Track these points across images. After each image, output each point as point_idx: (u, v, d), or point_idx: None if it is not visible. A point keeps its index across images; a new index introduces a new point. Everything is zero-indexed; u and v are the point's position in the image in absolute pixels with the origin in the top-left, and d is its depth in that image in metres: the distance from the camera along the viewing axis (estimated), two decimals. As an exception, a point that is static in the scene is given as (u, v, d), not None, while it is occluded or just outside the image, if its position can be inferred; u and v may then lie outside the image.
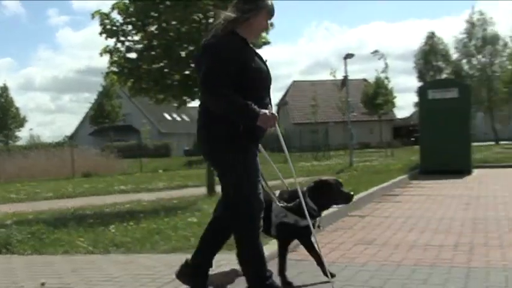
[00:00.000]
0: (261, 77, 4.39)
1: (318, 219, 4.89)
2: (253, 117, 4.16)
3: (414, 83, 72.59)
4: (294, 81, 75.44)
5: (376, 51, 32.91)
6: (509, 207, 9.56)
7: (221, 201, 4.64)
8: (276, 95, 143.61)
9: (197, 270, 4.61)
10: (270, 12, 4.43)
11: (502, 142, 55.64)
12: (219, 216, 4.63)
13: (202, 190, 13.03)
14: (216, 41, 4.24)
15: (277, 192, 4.91)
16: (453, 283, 4.80)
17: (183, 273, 4.62)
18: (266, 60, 4.50)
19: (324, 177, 5.10)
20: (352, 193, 4.97)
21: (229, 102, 4.13)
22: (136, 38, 12.02)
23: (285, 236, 4.85)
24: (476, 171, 18.24)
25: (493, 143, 54.25)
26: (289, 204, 4.75)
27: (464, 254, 5.98)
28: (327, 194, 4.84)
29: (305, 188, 4.93)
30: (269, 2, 4.39)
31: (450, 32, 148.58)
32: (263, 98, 4.36)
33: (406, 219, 8.56)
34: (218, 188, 13.02)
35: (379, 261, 5.72)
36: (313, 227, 4.68)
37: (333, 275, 4.79)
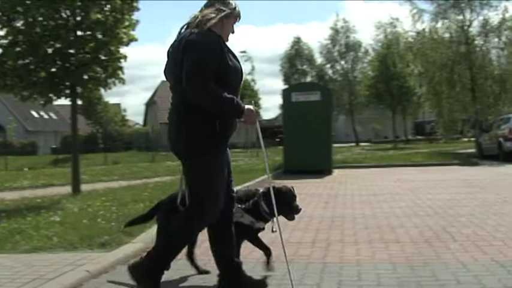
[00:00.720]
0: (236, 75, 4.44)
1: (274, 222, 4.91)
2: (240, 111, 4.27)
3: (280, 85, 74.15)
4: (163, 81, 74.81)
5: (243, 52, 33.31)
6: (365, 206, 9.98)
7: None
8: (144, 95, 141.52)
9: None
10: (238, 17, 4.60)
11: (362, 143, 58.07)
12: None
13: (68, 189, 12.77)
14: (199, 37, 4.25)
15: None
16: (309, 278, 4.99)
17: None
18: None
19: (279, 185, 5.16)
20: (300, 207, 5.07)
21: (218, 96, 4.16)
22: (1, 33, 11.66)
23: (239, 235, 4.81)
24: (336, 171, 18.91)
25: (353, 144, 56.43)
26: (245, 206, 4.88)
27: (321, 250, 6.21)
28: (279, 201, 4.85)
29: (260, 191, 5.03)
30: (238, 7, 4.56)
31: (315, 37, 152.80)
32: (236, 95, 4.37)
33: (268, 218, 8.75)
34: (84, 187, 12.93)
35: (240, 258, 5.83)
36: (263, 230, 4.97)
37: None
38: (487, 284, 4.61)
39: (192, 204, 4.37)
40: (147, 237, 6.77)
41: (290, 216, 5.08)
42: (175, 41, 4.47)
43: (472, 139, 34.59)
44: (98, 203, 9.89)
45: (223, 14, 4.43)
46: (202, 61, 4.17)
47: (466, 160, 24.51)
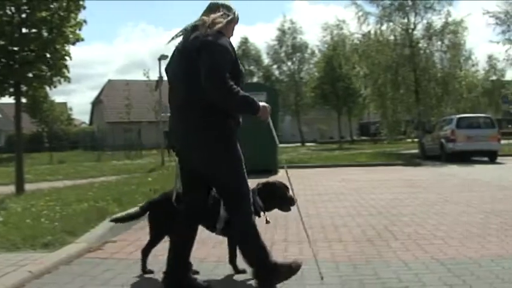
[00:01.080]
0: (243, 78, 4.67)
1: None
2: (257, 108, 4.48)
3: (227, 85, 73.70)
4: (109, 80, 74.12)
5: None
6: (309, 205, 10.03)
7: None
8: (90, 94, 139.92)
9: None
10: (237, 22, 4.88)
11: (307, 144, 58.50)
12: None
13: (11, 188, 12.54)
14: (215, 38, 4.41)
15: None
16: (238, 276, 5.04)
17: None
18: None
19: (272, 180, 5.37)
20: (295, 199, 5.23)
21: (237, 93, 4.29)
22: None
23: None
24: (282, 171, 18.95)
25: (299, 144, 56.77)
26: None
27: (265, 249, 6.21)
28: (273, 195, 5.17)
29: (254, 187, 5.06)
30: (237, 12, 4.84)
31: (262, 38, 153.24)
32: None
33: (212, 217, 8.72)
34: (28, 187, 12.68)
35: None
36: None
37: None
38: (427, 282, 4.69)
39: (237, 200, 4.52)
40: (91, 237, 6.69)
41: (286, 208, 5.31)
42: (184, 41, 4.62)
43: (416, 140, 35.14)
44: (41, 203, 9.70)
45: (229, 18, 4.67)
46: (221, 61, 4.33)
47: (410, 160, 24.93)
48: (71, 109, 78.63)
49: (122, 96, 54.81)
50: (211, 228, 5.07)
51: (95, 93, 73.57)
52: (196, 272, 5.08)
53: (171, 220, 4.80)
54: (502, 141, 26.17)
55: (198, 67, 4.31)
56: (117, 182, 13.53)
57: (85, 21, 12.72)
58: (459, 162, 22.59)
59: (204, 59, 4.30)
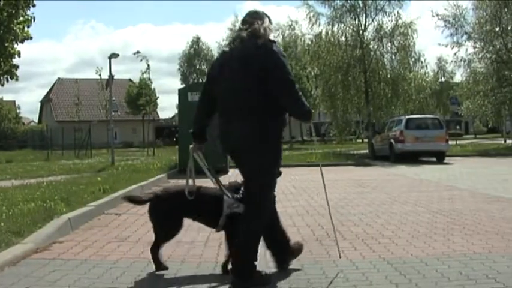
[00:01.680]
0: None
1: None
2: (311, 113, 4.90)
3: (178, 85, 73.64)
4: (59, 79, 73.13)
5: (138, 52, 32.74)
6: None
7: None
8: (39, 92, 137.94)
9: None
10: None
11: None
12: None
13: None
14: (279, 49, 4.76)
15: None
16: (201, 278, 5.00)
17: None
18: None
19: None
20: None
21: (306, 104, 4.79)
22: None
23: (235, 224, 4.96)
24: (232, 171, 18.97)
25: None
26: (238, 196, 5.11)
27: (214, 249, 6.21)
28: None
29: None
30: None
31: (212, 37, 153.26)
32: None
33: (162, 217, 8.68)
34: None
35: (131, 258, 5.76)
36: None
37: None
38: (374, 281, 4.74)
39: (264, 203, 4.84)
40: (38, 237, 6.57)
41: None
42: (243, 49, 4.76)
43: (366, 140, 35.54)
44: (-14, 203, 9.49)
45: (271, 27, 4.96)
46: (290, 71, 4.72)
47: (359, 161, 25.23)
48: (19, 107, 77.48)
49: (71, 95, 54.21)
50: (213, 225, 5.24)
51: (44, 92, 72.64)
52: (166, 268, 5.22)
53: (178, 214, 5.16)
54: (450, 142, 26.67)
55: (261, 75, 4.59)
56: (65, 182, 13.33)
57: (34, 18, 12.52)
58: (408, 162, 22.94)
59: (277, 70, 4.63)
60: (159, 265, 5.21)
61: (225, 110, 4.85)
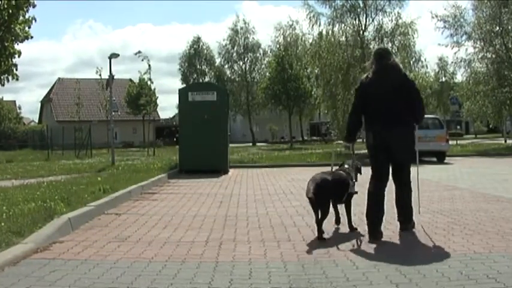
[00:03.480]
0: None
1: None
2: None
3: (178, 85, 73.61)
4: (59, 79, 73.10)
5: (139, 52, 32.60)
6: (259, 205, 10.06)
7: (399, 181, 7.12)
8: (40, 92, 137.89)
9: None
10: None
11: (258, 144, 58.61)
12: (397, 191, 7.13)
13: None
14: (413, 82, 7.32)
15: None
16: (201, 277, 4.97)
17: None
18: None
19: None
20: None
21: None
22: None
23: (350, 199, 7.30)
24: (232, 171, 19.00)
25: (250, 144, 56.86)
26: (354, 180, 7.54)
27: (214, 249, 6.20)
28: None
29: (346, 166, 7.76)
30: None
31: (211, 37, 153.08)
32: None
33: (162, 217, 8.70)
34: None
35: (131, 258, 5.75)
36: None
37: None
38: (374, 281, 4.74)
39: (409, 175, 7.11)
40: (38, 237, 6.56)
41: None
42: (392, 77, 6.99)
43: (366, 140, 35.42)
44: (-13, 203, 9.48)
45: None
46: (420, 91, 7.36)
47: (359, 160, 25.10)
48: (19, 107, 77.53)
49: (72, 95, 54.18)
50: (339, 201, 7.18)
51: (44, 92, 72.54)
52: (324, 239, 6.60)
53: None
54: (450, 142, 26.63)
55: (404, 97, 6.80)
56: (66, 182, 13.32)
57: (34, 19, 12.51)
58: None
59: (416, 97, 6.95)
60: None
61: (375, 112, 6.86)
